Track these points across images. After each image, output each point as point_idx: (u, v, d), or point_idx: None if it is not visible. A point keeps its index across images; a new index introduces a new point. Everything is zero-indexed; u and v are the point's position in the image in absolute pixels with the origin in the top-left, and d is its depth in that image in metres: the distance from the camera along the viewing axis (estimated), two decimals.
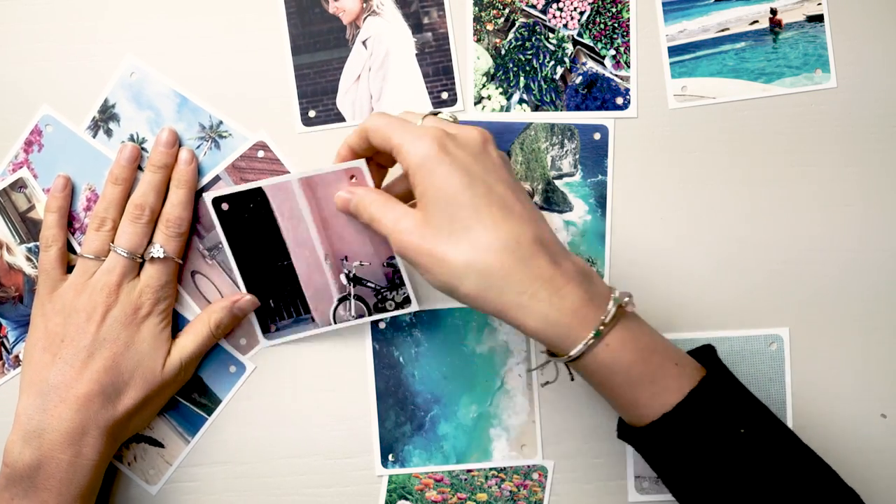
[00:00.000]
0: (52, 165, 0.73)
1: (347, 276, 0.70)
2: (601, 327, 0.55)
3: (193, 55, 0.73)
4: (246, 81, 0.72)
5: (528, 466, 0.72)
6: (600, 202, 0.72)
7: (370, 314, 0.71)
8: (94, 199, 0.72)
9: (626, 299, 0.57)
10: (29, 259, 0.73)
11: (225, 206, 0.67)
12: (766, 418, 0.58)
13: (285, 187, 0.66)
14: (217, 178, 0.72)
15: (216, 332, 0.69)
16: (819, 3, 0.72)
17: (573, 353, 0.56)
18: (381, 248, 0.69)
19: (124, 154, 0.69)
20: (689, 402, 0.56)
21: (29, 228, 0.73)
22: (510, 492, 0.72)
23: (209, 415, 0.73)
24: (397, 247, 0.58)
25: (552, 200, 0.72)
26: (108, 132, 0.73)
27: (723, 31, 0.73)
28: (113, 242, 0.68)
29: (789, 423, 0.72)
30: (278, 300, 0.70)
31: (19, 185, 0.73)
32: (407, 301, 0.71)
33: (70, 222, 0.72)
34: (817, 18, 0.72)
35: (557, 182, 0.73)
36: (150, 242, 0.68)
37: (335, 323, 0.71)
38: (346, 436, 0.73)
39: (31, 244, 0.73)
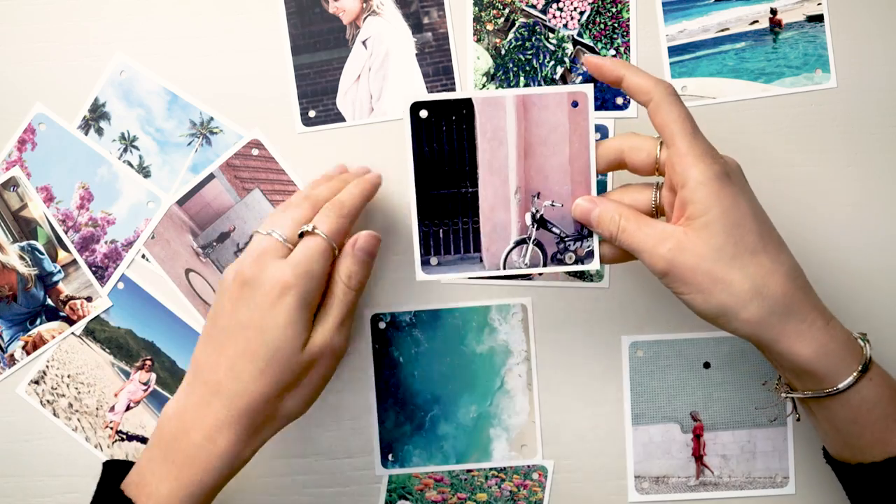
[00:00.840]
0: (45, 164, 0.72)
1: (534, 216, 0.63)
2: (866, 361, 0.56)
3: (194, 55, 0.72)
4: (246, 81, 0.72)
5: (528, 466, 0.72)
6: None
7: (544, 265, 0.64)
8: (88, 197, 0.72)
9: (867, 339, 0.58)
10: (22, 258, 0.72)
11: (423, 114, 0.62)
12: None
13: (497, 102, 0.61)
14: (211, 176, 0.72)
15: (350, 283, 0.62)
16: (819, 3, 0.72)
17: (842, 385, 0.56)
18: (580, 190, 0.62)
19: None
20: None
21: (21, 227, 0.72)
22: (510, 492, 0.72)
23: None
24: (665, 264, 0.56)
25: None
26: (99, 131, 0.72)
27: (723, 31, 0.73)
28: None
29: (788, 423, 0.72)
30: (449, 231, 0.64)
31: (12, 183, 0.72)
32: (590, 256, 0.63)
33: (63, 220, 0.72)
34: (817, 18, 0.72)
35: None
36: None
37: (504, 268, 0.64)
38: (346, 436, 0.73)
39: (24, 243, 0.72)
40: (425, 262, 0.64)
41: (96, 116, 0.72)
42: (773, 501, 0.72)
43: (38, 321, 0.73)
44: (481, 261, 0.64)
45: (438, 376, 0.73)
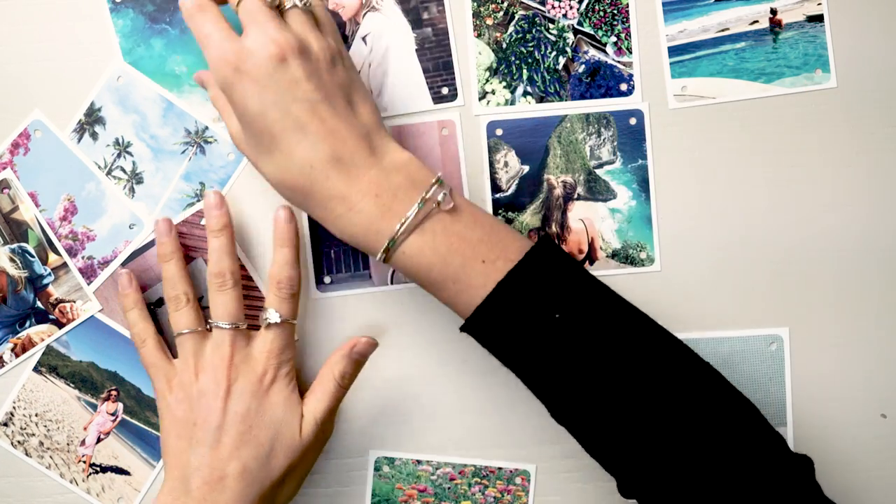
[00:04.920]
0: (35, 170, 0.71)
1: None
2: (395, 238, 0.58)
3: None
4: None
5: (511, 471, 0.72)
6: (643, 186, 0.72)
7: None
8: (72, 210, 0.71)
9: (441, 196, 0.58)
10: (12, 260, 0.71)
11: None
12: (591, 299, 0.58)
13: None
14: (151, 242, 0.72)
15: (343, 382, 0.67)
16: (819, 3, 0.72)
17: (376, 259, 0.59)
18: None
19: (161, 229, 0.67)
20: (493, 297, 0.57)
21: (13, 229, 0.71)
22: (494, 497, 0.72)
23: None
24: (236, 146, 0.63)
25: (595, 190, 0.72)
26: (94, 135, 0.71)
27: (723, 31, 0.73)
28: (210, 318, 0.65)
29: (789, 423, 0.72)
30: (340, 251, 0.69)
31: (3, 185, 0.71)
32: None
33: (52, 228, 0.71)
34: (817, 18, 0.72)
35: (599, 171, 0.72)
36: (244, 308, 0.66)
37: (392, 283, 0.70)
38: (345, 436, 0.72)
39: (15, 245, 0.71)
40: (320, 281, 0.70)
41: (91, 121, 0.71)
42: None
43: (27, 323, 0.71)
44: (370, 277, 0.71)
45: None
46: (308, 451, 0.65)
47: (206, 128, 0.71)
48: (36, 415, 0.72)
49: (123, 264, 0.71)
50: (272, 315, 0.65)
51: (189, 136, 0.71)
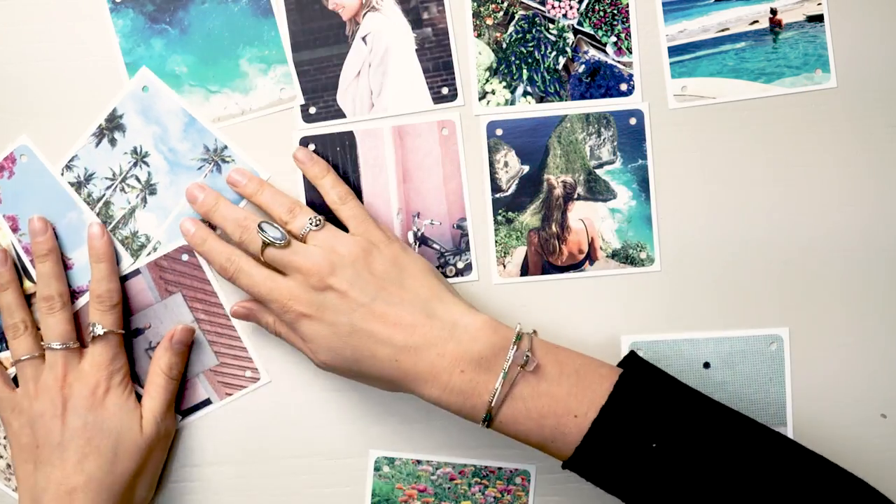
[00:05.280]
0: (18, 194, 0.71)
1: (415, 234, 0.70)
2: (490, 410, 0.60)
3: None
4: None
5: (511, 471, 0.72)
6: (643, 186, 0.72)
7: None
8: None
9: (524, 358, 0.60)
10: None
11: (311, 147, 0.69)
12: (683, 418, 0.60)
13: (376, 133, 0.68)
14: (137, 272, 0.71)
15: (171, 374, 0.69)
16: (819, 3, 0.72)
17: (480, 422, 0.61)
18: (455, 209, 0.69)
19: None
20: (588, 441, 0.59)
21: None
22: (494, 497, 0.72)
23: None
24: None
25: (595, 190, 0.72)
26: (112, 141, 0.71)
27: (723, 31, 0.73)
28: (42, 340, 0.67)
29: (789, 424, 0.72)
30: None
31: None
32: (469, 268, 0.70)
33: (28, 255, 0.71)
34: (817, 18, 0.72)
35: (598, 171, 0.72)
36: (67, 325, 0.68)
37: None
38: (347, 436, 0.72)
39: None
40: None
41: (112, 126, 0.71)
42: None
43: None
44: None
45: None
46: (153, 449, 0.68)
47: (225, 147, 0.71)
48: (4, 437, 0.71)
49: None
50: (96, 328, 0.67)
51: (207, 153, 0.71)
